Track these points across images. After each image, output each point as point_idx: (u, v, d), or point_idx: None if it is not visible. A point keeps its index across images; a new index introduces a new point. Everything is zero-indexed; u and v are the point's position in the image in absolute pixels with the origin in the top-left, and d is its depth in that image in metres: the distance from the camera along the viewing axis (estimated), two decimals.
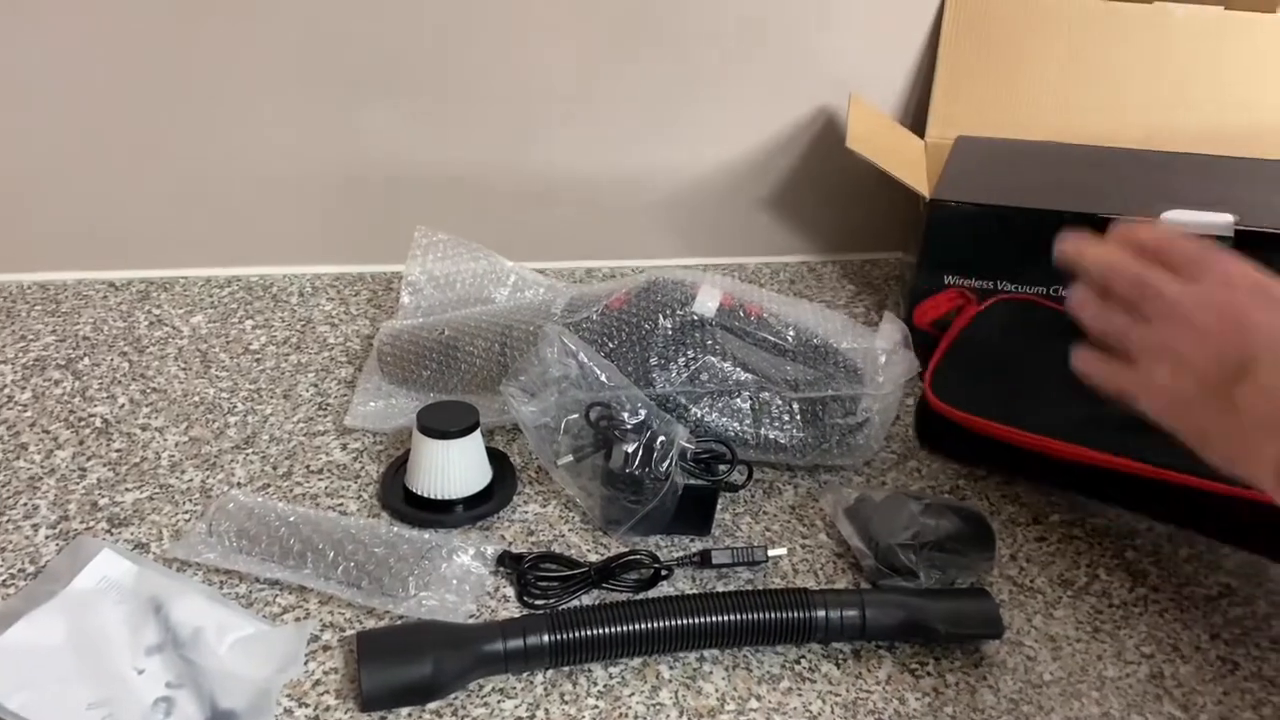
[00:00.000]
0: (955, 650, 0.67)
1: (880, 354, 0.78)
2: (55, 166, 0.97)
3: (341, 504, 0.75)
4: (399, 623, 0.65)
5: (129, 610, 0.62)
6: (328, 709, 0.59)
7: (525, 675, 0.62)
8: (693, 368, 0.77)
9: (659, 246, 1.14)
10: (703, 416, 0.77)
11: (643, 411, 0.72)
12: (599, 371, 0.73)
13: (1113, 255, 0.58)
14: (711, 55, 1.06)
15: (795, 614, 0.64)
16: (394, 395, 0.85)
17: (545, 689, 0.62)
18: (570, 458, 0.73)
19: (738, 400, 0.78)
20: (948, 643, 0.67)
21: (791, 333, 0.78)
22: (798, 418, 0.78)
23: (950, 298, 0.95)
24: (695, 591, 0.69)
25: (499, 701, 0.61)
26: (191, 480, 0.76)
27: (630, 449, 0.71)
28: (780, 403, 0.78)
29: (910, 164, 1.02)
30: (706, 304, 0.78)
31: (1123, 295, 0.57)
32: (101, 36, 0.92)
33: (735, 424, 0.78)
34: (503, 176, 1.06)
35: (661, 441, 0.71)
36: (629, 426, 0.72)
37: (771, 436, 0.78)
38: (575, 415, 0.73)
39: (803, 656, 0.65)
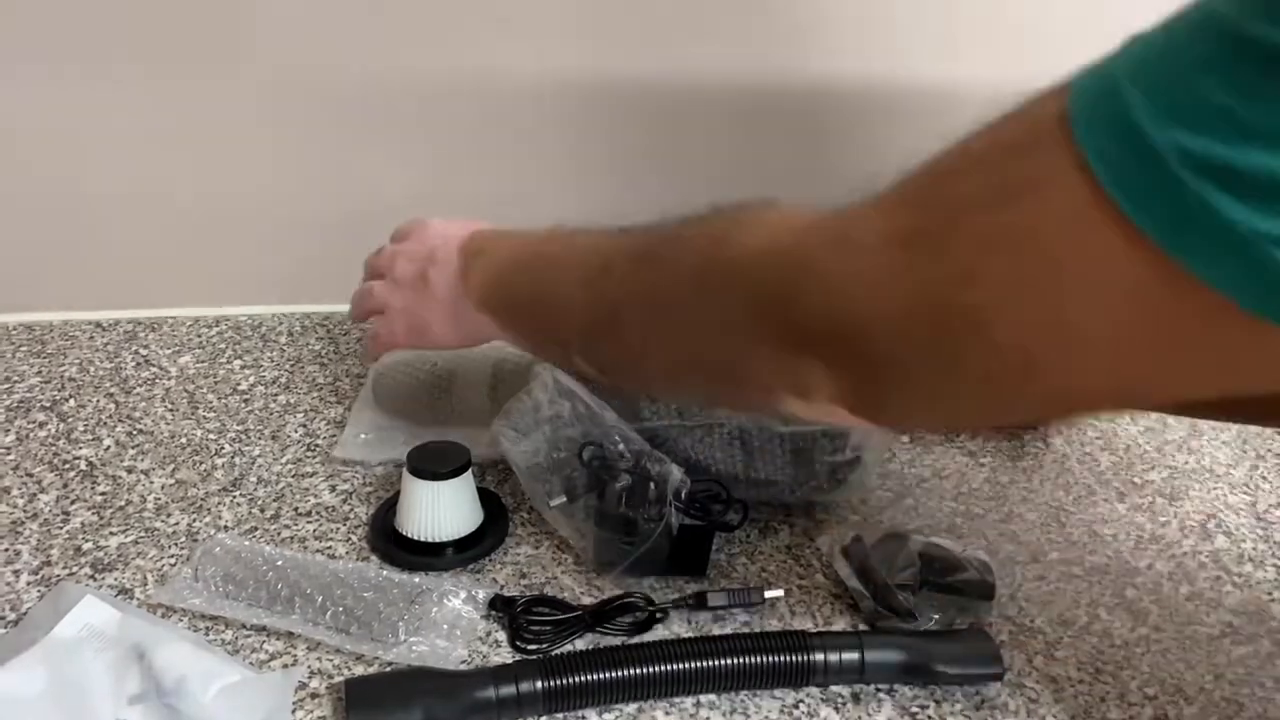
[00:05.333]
0: (955, 692, 0.65)
1: None
2: (42, 206, 0.97)
3: (330, 547, 0.74)
4: (389, 669, 0.63)
5: (111, 658, 0.61)
6: None
7: None
8: None
9: None
10: (691, 450, 0.76)
11: (636, 451, 0.72)
12: (592, 409, 0.73)
13: None
14: None
15: (793, 657, 0.63)
16: (384, 430, 0.84)
17: None
18: (563, 498, 0.72)
19: (727, 435, 0.77)
20: (948, 685, 0.65)
21: None
22: (788, 454, 0.77)
23: None
24: (691, 634, 0.68)
25: None
26: (177, 524, 0.75)
27: (624, 489, 0.70)
28: (769, 438, 0.77)
29: None
30: None
31: None
32: (102, 74, 0.92)
33: (725, 460, 0.77)
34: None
35: (656, 481, 0.70)
36: (622, 466, 0.71)
37: (762, 473, 0.77)
38: (568, 455, 0.72)
39: (801, 700, 0.64)
